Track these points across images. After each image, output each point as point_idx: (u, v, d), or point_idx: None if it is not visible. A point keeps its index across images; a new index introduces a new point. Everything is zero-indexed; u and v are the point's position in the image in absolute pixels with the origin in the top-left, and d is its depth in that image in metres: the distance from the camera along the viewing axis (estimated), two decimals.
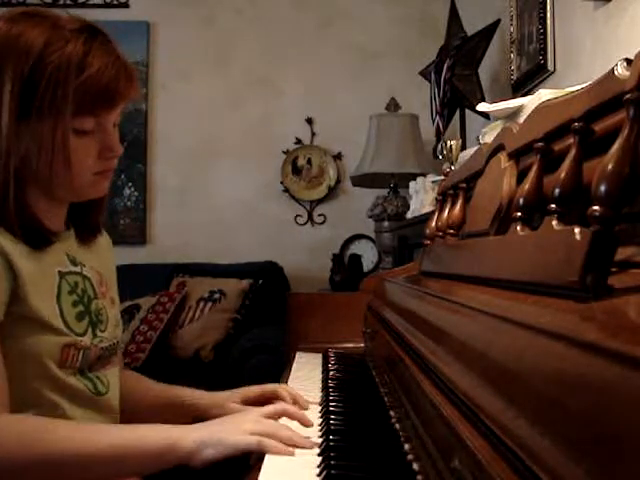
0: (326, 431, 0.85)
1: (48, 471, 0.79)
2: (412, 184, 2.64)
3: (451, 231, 1.06)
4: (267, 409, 0.91)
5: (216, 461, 0.78)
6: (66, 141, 0.88)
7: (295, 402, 1.00)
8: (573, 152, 0.57)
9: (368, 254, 3.50)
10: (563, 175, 0.56)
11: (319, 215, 3.63)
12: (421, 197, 2.49)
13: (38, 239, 0.91)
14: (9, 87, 0.86)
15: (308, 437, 0.83)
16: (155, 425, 0.84)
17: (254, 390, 1.07)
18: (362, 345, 1.49)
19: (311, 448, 0.80)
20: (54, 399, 0.89)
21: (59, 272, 0.94)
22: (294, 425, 0.89)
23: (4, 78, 0.86)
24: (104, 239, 1.11)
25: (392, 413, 0.88)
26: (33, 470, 0.78)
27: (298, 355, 1.51)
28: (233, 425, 0.83)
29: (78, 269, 0.98)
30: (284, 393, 1.02)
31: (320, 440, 0.82)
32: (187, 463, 0.78)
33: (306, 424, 0.90)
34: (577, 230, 0.49)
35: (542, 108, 0.70)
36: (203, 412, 1.03)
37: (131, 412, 1.06)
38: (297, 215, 3.62)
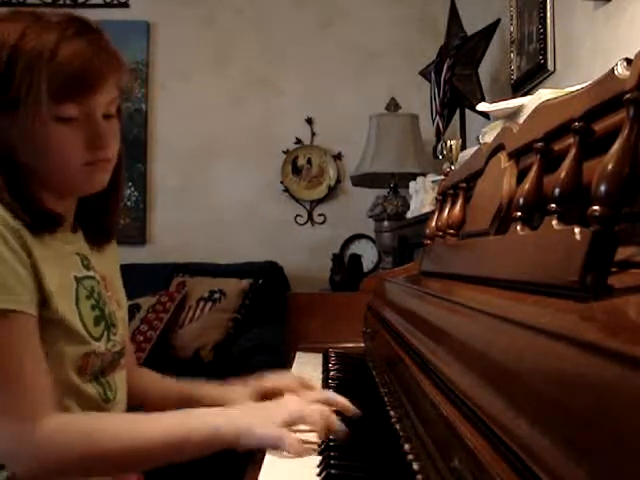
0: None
1: (104, 464, 0.84)
2: (412, 184, 2.64)
3: (451, 231, 1.06)
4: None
5: (254, 448, 0.82)
6: (46, 130, 0.86)
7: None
8: (573, 152, 0.57)
9: (368, 254, 3.50)
10: (563, 175, 0.56)
11: (319, 215, 3.63)
12: (421, 197, 2.49)
13: (44, 221, 0.90)
14: None
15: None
16: (204, 413, 0.88)
17: (268, 385, 1.05)
18: (362, 345, 1.49)
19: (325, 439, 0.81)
20: (68, 404, 0.90)
21: (75, 277, 0.94)
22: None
23: None
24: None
25: (392, 413, 0.88)
26: (91, 464, 0.84)
27: (298, 355, 1.51)
28: (269, 414, 0.85)
29: (92, 273, 0.98)
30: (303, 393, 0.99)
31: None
32: (231, 448, 0.82)
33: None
34: (577, 230, 0.49)
35: (542, 108, 0.70)
36: None
37: (147, 407, 1.08)
38: (297, 215, 3.62)
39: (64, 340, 0.88)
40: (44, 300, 0.86)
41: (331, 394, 0.94)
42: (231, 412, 0.89)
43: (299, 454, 0.78)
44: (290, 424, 0.82)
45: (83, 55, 0.86)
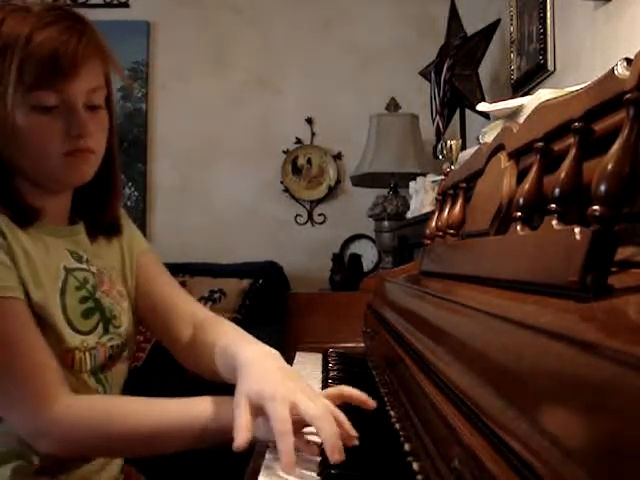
0: None
1: (117, 445, 0.85)
2: (412, 184, 2.64)
3: (451, 231, 1.06)
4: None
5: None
6: (24, 119, 0.85)
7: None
8: (573, 152, 0.57)
9: (368, 254, 3.50)
10: (563, 175, 0.56)
11: (319, 215, 3.63)
12: (421, 197, 2.49)
13: (21, 214, 0.89)
14: None
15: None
16: (222, 401, 0.83)
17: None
18: (362, 345, 1.49)
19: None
20: None
21: (65, 267, 0.93)
22: None
23: None
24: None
25: (392, 413, 0.88)
26: (105, 444, 0.85)
27: (298, 355, 1.51)
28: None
29: (84, 266, 0.97)
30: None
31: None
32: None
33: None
34: (577, 230, 0.48)
35: (542, 108, 0.70)
36: None
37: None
38: (297, 215, 3.62)
39: (45, 336, 0.87)
40: (24, 289, 0.86)
41: (346, 389, 0.85)
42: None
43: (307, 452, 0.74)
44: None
45: (56, 40, 0.84)
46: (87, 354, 0.92)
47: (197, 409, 0.84)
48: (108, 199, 1.02)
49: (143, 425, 0.83)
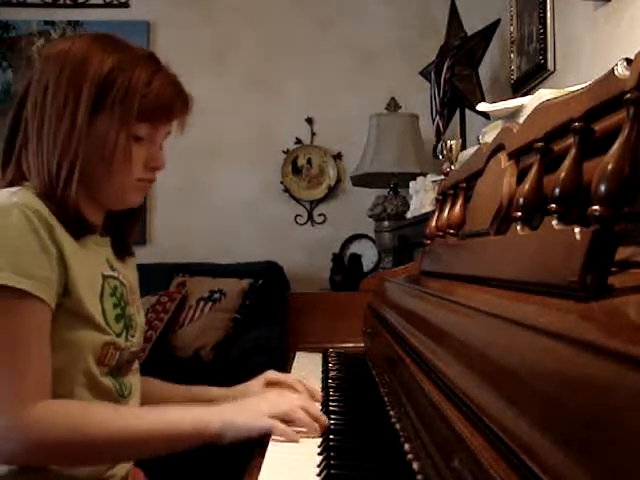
0: (326, 431, 0.85)
1: (88, 452, 0.87)
2: (412, 184, 2.64)
3: (451, 231, 1.06)
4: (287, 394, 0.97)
5: (239, 441, 0.86)
6: (122, 141, 0.95)
7: (312, 396, 1.05)
8: (573, 152, 0.57)
9: (368, 254, 3.50)
10: (563, 175, 0.56)
11: (319, 215, 3.63)
12: (421, 197, 2.49)
13: (82, 229, 0.95)
14: (88, 85, 0.94)
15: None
16: (186, 408, 0.92)
17: (273, 378, 1.11)
18: (362, 345, 1.49)
19: (318, 436, 0.85)
20: (84, 394, 0.92)
21: (102, 274, 0.98)
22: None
23: (86, 76, 0.94)
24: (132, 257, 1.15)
25: (392, 413, 0.89)
26: (76, 451, 0.86)
27: (298, 355, 1.51)
28: (253, 406, 0.91)
29: (116, 274, 1.02)
30: (301, 388, 1.06)
31: (320, 440, 0.82)
32: (215, 443, 0.86)
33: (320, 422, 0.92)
34: (577, 230, 0.49)
35: (542, 108, 0.70)
36: None
37: None
38: (297, 215, 3.62)
39: (84, 328, 0.91)
40: (68, 290, 0.89)
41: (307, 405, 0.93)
42: (216, 407, 0.92)
43: (293, 440, 0.83)
44: (276, 418, 0.87)
45: (174, 87, 1.01)
46: (117, 352, 0.96)
47: (167, 413, 0.91)
48: (132, 223, 1.11)
49: (114, 431, 0.86)
